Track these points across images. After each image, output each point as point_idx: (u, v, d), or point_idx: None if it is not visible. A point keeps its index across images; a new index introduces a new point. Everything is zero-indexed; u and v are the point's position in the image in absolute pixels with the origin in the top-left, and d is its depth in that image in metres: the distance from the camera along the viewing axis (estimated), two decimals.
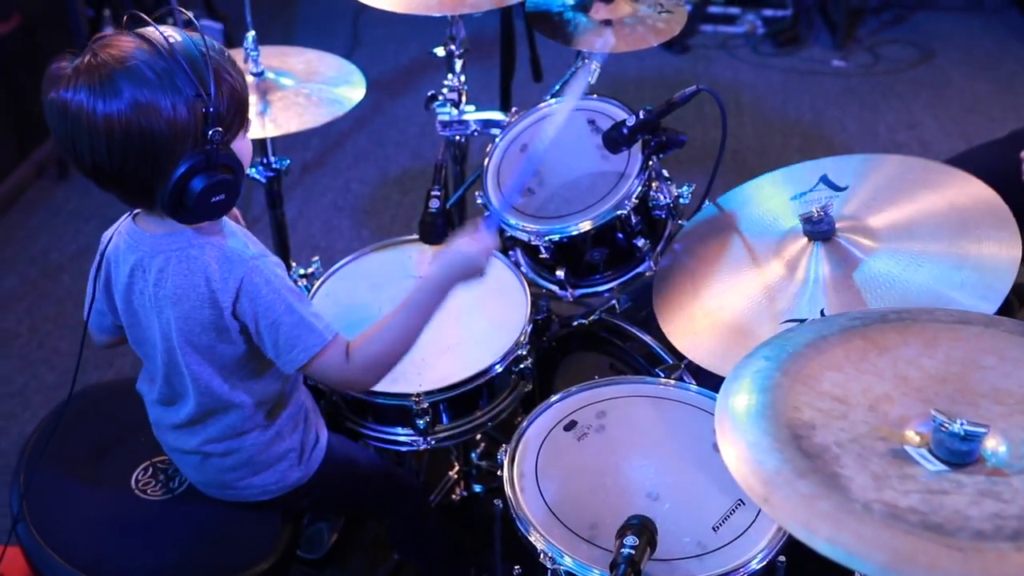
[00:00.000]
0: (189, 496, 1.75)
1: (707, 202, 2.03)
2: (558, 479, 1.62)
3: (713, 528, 1.53)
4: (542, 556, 1.49)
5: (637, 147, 1.99)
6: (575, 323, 2.17)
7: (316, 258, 2.34)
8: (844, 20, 4.62)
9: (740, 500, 1.56)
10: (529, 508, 1.56)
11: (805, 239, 1.75)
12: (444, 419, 1.96)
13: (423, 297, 1.57)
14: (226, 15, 4.29)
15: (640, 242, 2.02)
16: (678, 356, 1.98)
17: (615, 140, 1.95)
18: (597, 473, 1.63)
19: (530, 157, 1.73)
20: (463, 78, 2.47)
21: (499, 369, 1.93)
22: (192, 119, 1.38)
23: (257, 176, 2.50)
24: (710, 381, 1.75)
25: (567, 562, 1.47)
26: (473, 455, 2.36)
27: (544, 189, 2.11)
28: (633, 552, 1.35)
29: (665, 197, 2.03)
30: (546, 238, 2.00)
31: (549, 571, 1.48)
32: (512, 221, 2.04)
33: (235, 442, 1.65)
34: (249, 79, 2.33)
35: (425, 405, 1.88)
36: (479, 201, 2.12)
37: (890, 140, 3.92)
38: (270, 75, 2.37)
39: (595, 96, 2.19)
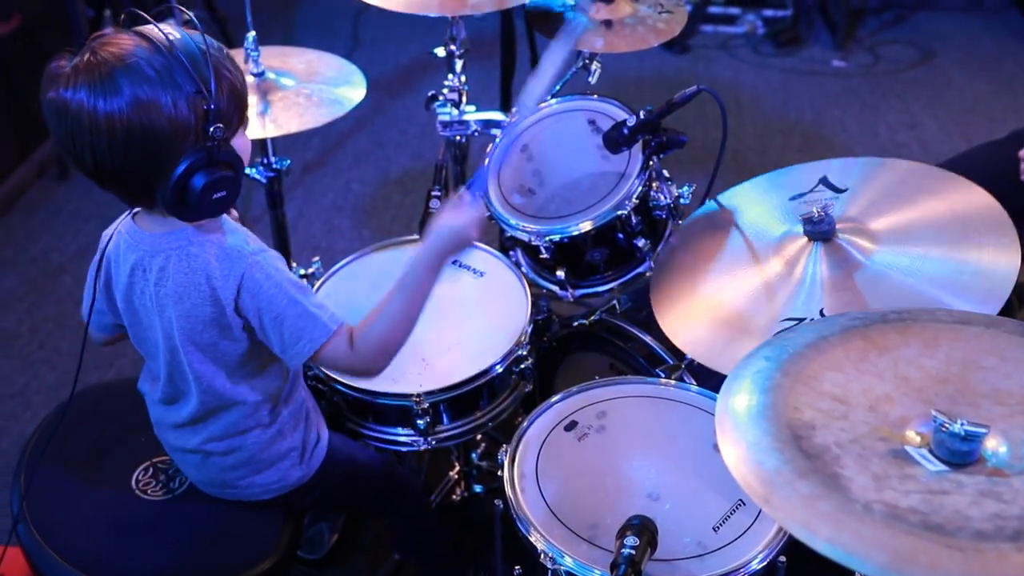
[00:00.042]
0: (189, 496, 1.75)
1: (708, 201, 2.02)
2: (559, 479, 1.62)
3: (714, 528, 1.53)
4: (542, 556, 1.49)
5: (638, 147, 1.99)
6: (575, 323, 2.17)
7: (317, 258, 2.34)
8: (844, 20, 4.62)
9: (740, 500, 1.56)
10: (529, 508, 1.56)
11: (804, 239, 1.75)
12: (445, 419, 1.96)
13: (417, 277, 1.56)
14: (226, 15, 4.29)
15: (640, 242, 2.02)
16: (678, 356, 1.98)
17: (615, 140, 1.95)
18: (597, 473, 1.63)
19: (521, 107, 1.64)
20: (463, 78, 2.47)
21: (500, 369, 1.93)
22: (193, 116, 1.38)
23: (257, 176, 2.50)
24: (710, 381, 1.75)
25: (567, 562, 1.47)
26: (474, 455, 2.36)
27: (544, 189, 2.11)
28: (634, 552, 1.35)
29: (666, 197, 2.03)
30: (547, 238, 2.00)
31: (549, 571, 1.48)
32: (512, 221, 2.05)
33: (236, 441, 1.66)
34: (250, 79, 2.33)
35: (426, 405, 1.88)
36: None
37: (890, 140, 3.92)
38: (270, 75, 2.37)
39: (595, 96, 2.19)
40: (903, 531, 1.07)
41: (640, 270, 2.06)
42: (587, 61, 2.31)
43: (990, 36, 4.68)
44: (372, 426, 1.96)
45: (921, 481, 1.13)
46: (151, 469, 1.80)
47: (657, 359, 2.03)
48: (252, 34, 2.34)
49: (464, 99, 2.47)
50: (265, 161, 2.49)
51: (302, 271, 2.37)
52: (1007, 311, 1.58)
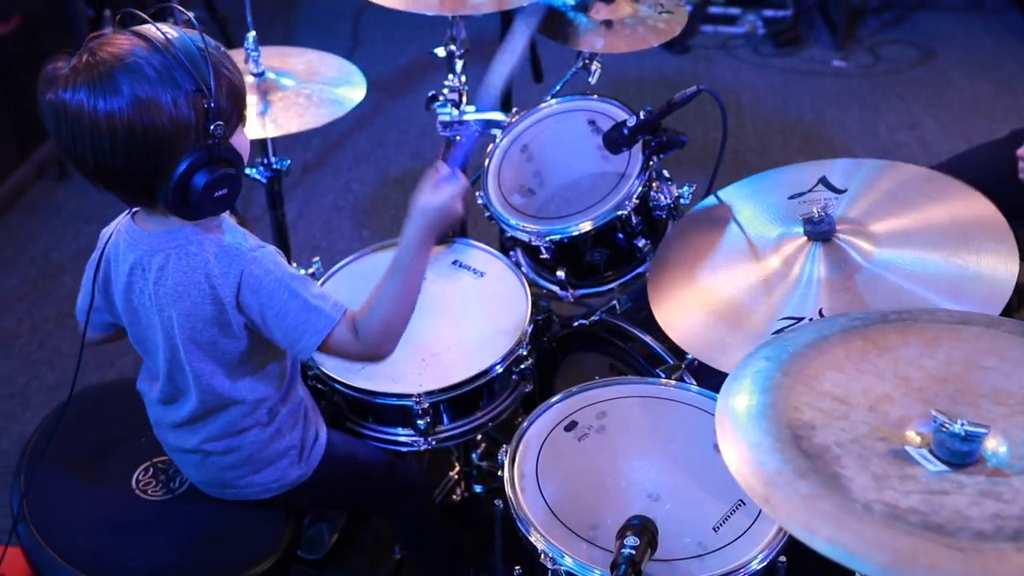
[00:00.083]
0: (190, 496, 1.75)
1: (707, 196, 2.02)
2: (559, 479, 1.62)
3: (714, 528, 1.53)
4: (543, 556, 1.49)
5: (638, 148, 1.99)
6: (576, 323, 2.17)
7: (317, 258, 2.34)
8: (844, 20, 4.62)
9: (740, 500, 1.56)
10: (530, 508, 1.56)
11: (803, 238, 1.74)
12: (445, 419, 1.96)
13: (408, 258, 1.56)
14: (226, 15, 4.29)
15: (641, 242, 2.02)
16: (679, 356, 1.98)
17: (616, 141, 1.95)
18: (598, 473, 1.63)
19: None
20: (463, 78, 2.47)
21: (500, 370, 1.93)
22: (193, 114, 1.39)
23: (258, 176, 2.50)
24: (711, 382, 1.75)
25: (568, 562, 1.47)
26: (474, 455, 2.36)
27: (545, 190, 2.11)
28: (634, 552, 1.35)
29: (666, 197, 2.03)
30: (547, 238, 2.00)
31: (550, 571, 1.48)
32: (512, 221, 2.05)
33: (235, 440, 1.66)
34: (250, 79, 2.33)
35: (426, 405, 1.88)
36: (479, 201, 2.12)
37: (890, 140, 3.92)
38: (271, 75, 2.37)
39: (595, 96, 2.19)
40: (903, 531, 1.07)
41: (640, 270, 2.06)
42: (587, 61, 2.31)
43: (990, 36, 4.68)
44: (372, 426, 1.96)
45: (921, 481, 1.13)
46: (151, 469, 1.80)
47: (657, 359, 2.03)
48: (252, 34, 2.34)
49: (464, 99, 2.47)
50: (265, 161, 2.49)
51: (302, 271, 2.36)
52: (1007, 311, 1.58)
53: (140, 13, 1.44)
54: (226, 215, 1.57)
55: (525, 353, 1.99)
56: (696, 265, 1.83)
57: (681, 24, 2.28)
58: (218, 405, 1.62)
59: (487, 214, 2.11)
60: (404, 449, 1.95)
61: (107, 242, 1.59)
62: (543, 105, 2.23)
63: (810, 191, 1.86)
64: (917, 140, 3.92)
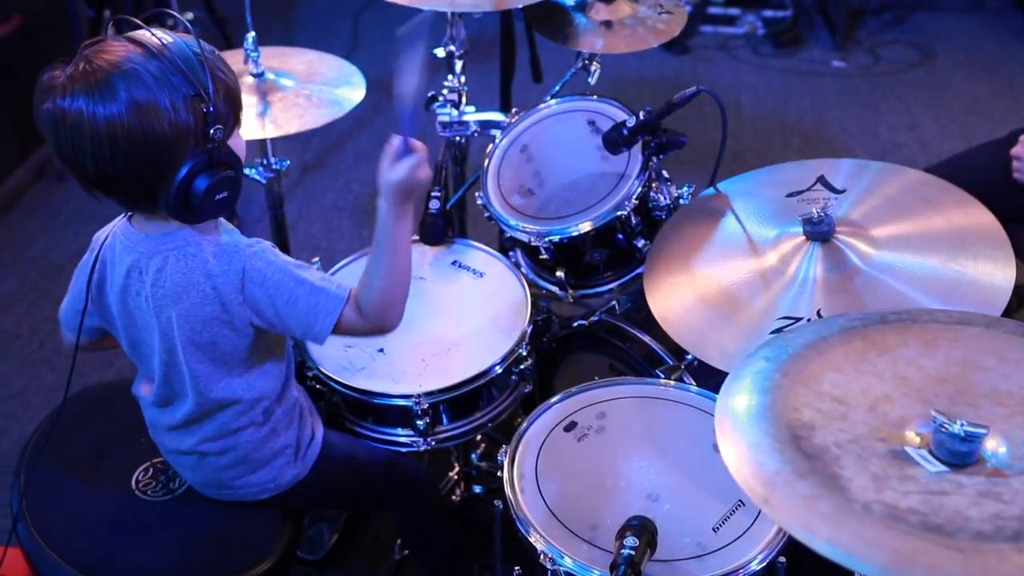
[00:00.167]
0: (189, 497, 1.75)
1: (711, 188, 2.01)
2: (558, 480, 1.62)
3: (713, 529, 1.53)
4: (542, 557, 1.49)
5: (637, 148, 1.99)
6: (575, 324, 2.17)
7: (317, 259, 2.33)
8: (844, 21, 4.62)
9: (740, 501, 1.56)
10: (529, 509, 1.56)
11: (801, 237, 1.74)
12: (444, 420, 1.96)
13: (389, 232, 1.54)
14: (226, 15, 4.29)
15: (640, 243, 2.02)
16: (678, 357, 1.98)
17: (615, 141, 1.95)
18: (597, 474, 1.63)
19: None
20: (463, 79, 2.46)
21: (499, 370, 1.93)
22: (192, 118, 1.39)
23: (257, 177, 2.49)
24: (710, 382, 1.75)
25: (567, 563, 1.47)
26: (473, 456, 2.36)
27: (544, 190, 2.11)
28: (633, 553, 1.35)
29: (665, 198, 2.03)
30: (546, 239, 2.00)
31: (549, 572, 1.48)
32: (512, 222, 2.05)
33: (230, 440, 1.66)
34: (249, 80, 2.33)
35: (425, 406, 1.88)
36: (479, 202, 2.12)
37: (890, 141, 3.92)
38: (270, 76, 2.37)
39: (595, 97, 2.19)
40: (903, 532, 1.07)
41: (640, 271, 2.06)
42: (587, 62, 2.31)
43: (991, 37, 4.68)
44: (371, 427, 1.96)
45: (921, 482, 1.13)
46: (151, 470, 1.80)
47: (657, 359, 2.03)
48: (252, 35, 2.34)
49: (463, 100, 2.47)
50: (265, 162, 2.48)
51: None
52: (1006, 312, 1.58)
53: (134, 19, 1.44)
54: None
55: (525, 353, 1.99)
56: (692, 256, 1.83)
57: (680, 24, 2.28)
58: (214, 406, 1.62)
59: (487, 214, 2.11)
60: (403, 450, 1.95)
61: (102, 245, 1.59)
62: (543, 105, 2.23)
63: (808, 190, 1.86)
64: (917, 141, 3.92)
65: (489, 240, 2.35)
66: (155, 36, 1.41)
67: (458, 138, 2.55)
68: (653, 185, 2.03)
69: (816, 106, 4.18)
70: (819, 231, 1.71)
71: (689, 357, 1.94)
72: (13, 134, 3.65)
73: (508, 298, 2.07)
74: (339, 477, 1.83)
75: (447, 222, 2.24)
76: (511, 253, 2.20)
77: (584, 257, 2.06)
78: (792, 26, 4.68)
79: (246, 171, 2.43)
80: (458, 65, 2.45)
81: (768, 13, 4.76)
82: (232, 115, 1.48)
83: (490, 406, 1.99)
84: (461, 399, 1.93)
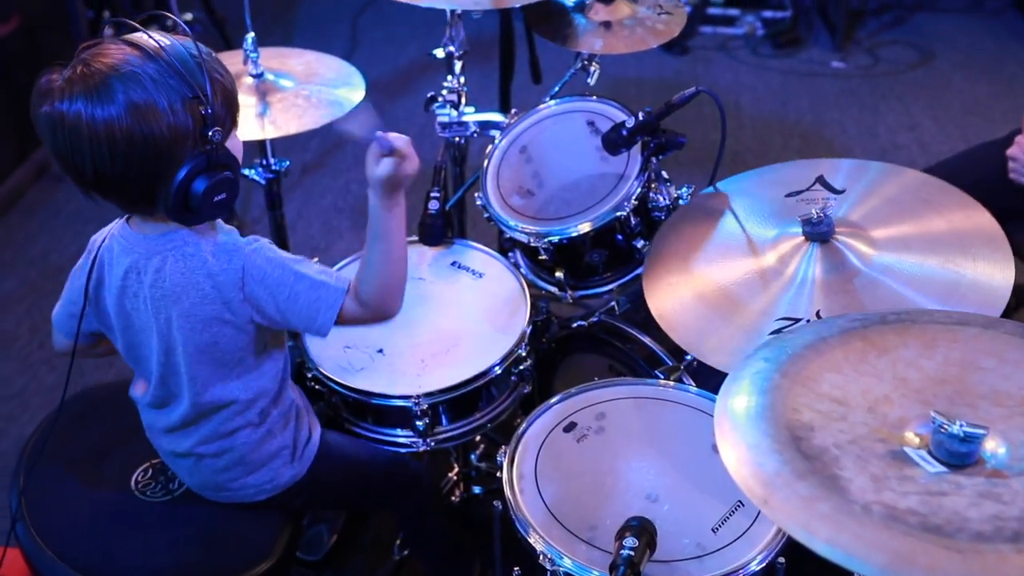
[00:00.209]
0: (188, 498, 1.75)
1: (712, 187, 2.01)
2: (557, 480, 1.62)
3: (712, 530, 1.53)
4: (541, 557, 1.49)
5: (636, 149, 1.99)
6: (574, 325, 2.17)
7: (316, 259, 2.32)
8: (843, 22, 4.62)
9: (739, 502, 1.56)
10: (528, 509, 1.56)
11: (800, 237, 1.74)
12: (444, 421, 1.96)
13: (379, 222, 1.56)
14: (225, 16, 4.29)
15: (639, 244, 2.02)
16: (678, 358, 1.98)
17: (614, 142, 1.95)
18: (596, 474, 1.63)
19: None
20: (462, 80, 2.46)
21: (498, 371, 1.93)
22: (190, 120, 1.40)
23: (256, 178, 2.50)
24: (709, 383, 1.75)
25: (566, 563, 1.47)
26: (472, 457, 2.36)
27: (543, 191, 2.11)
28: (632, 553, 1.35)
29: (664, 199, 2.03)
30: (546, 239, 2.00)
31: (548, 572, 1.48)
32: (511, 223, 2.05)
33: (227, 441, 1.66)
34: (248, 81, 2.33)
35: (425, 407, 1.88)
36: (478, 203, 2.12)
37: (890, 142, 3.92)
38: (269, 76, 2.37)
39: (594, 97, 2.19)
40: (902, 532, 1.06)
41: (639, 271, 2.06)
42: (586, 62, 2.31)
43: (990, 38, 4.68)
44: (371, 427, 1.96)
45: (920, 482, 1.13)
46: (150, 470, 1.80)
47: (656, 360, 2.03)
48: (251, 35, 2.34)
49: (463, 100, 2.47)
50: (264, 162, 2.49)
51: None
52: (1005, 313, 1.58)
53: (131, 22, 1.44)
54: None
55: (524, 354, 1.99)
56: (691, 257, 1.83)
57: (680, 25, 2.28)
58: (210, 407, 1.62)
59: (486, 215, 2.11)
60: (403, 451, 1.95)
61: (99, 247, 1.59)
62: (542, 106, 2.23)
63: (808, 190, 1.86)
64: (916, 142, 3.92)
65: (488, 241, 2.34)
66: (152, 38, 1.41)
67: (457, 139, 2.55)
68: (652, 186, 2.03)
69: (815, 107, 4.18)
70: (818, 232, 1.71)
71: (688, 358, 1.94)
72: (13, 134, 3.65)
73: (507, 299, 2.07)
74: (337, 477, 1.83)
75: (446, 223, 2.24)
76: (510, 254, 2.20)
77: (583, 258, 2.06)
78: (791, 27, 4.68)
79: (245, 172, 2.43)
80: (457, 66, 2.45)
81: (767, 14, 4.76)
82: (229, 117, 1.48)
83: (489, 407, 1.99)
84: (460, 400, 1.93)
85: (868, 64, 4.50)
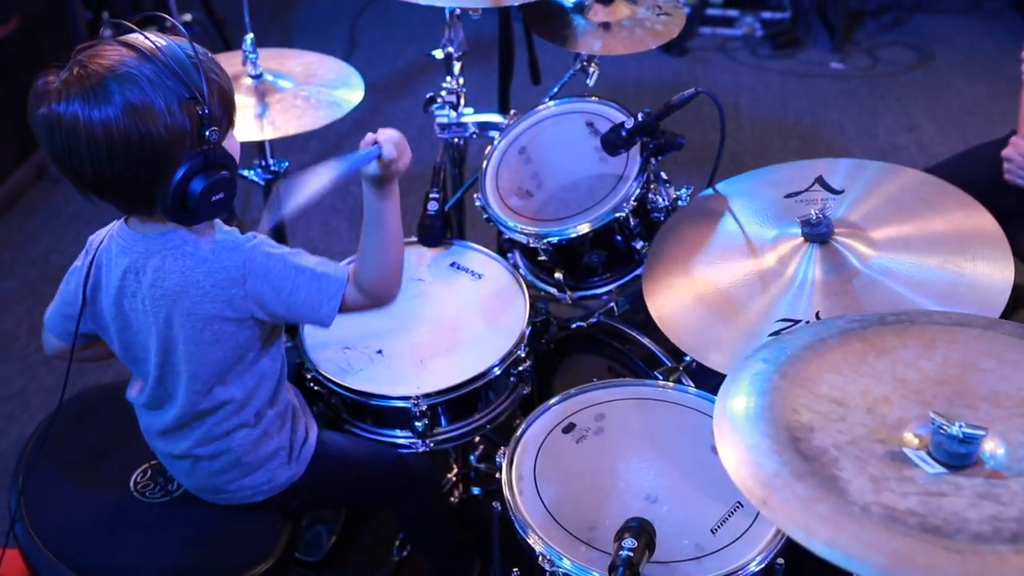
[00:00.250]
0: (187, 499, 1.75)
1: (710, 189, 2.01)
2: (556, 481, 1.62)
3: (711, 530, 1.53)
4: (540, 558, 1.49)
5: (635, 149, 1.99)
6: (574, 325, 2.17)
7: None
8: (842, 23, 4.62)
9: (738, 502, 1.56)
10: (527, 510, 1.56)
11: (799, 238, 1.74)
12: (443, 421, 1.96)
13: (375, 211, 1.58)
14: (224, 17, 4.29)
15: (639, 244, 2.02)
16: (677, 359, 1.98)
17: (613, 142, 1.95)
18: (595, 475, 1.63)
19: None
20: (462, 80, 2.46)
21: (498, 372, 1.93)
22: (187, 121, 1.40)
23: (255, 178, 2.50)
24: (709, 383, 1.74)
25: (566, 564, 1.47)
26: (472, 457, 2.36)
27: (542, 192, 2.11)
28: (631, 554, 1.35)
29: (664, 199, 2.03)
30: (545, 240, 2.00)
31: (548, 573, 1.48)
32: (511, 223, 2.04)
33: (223, 443, 1.66)
34: (247, 81, 2.33)
35: (424, 408, 1.88)
36: (477, 204, 2.12)
37: (889, 143, 3.93)
38: (268, 77, 2.37)
39: (593, 98, 2.19)
40: (901, 533, 1.06)
41: (638, 272, 2.06)
42: (585, 63, 2.31)
43: (989, 38, 4.68)
44: (370, 428, 1.96)
45: (919, 483, 1.13)
46: (149, 471, 1.80)
47: (655, 361, 2.03)
48: (250, 36, 2.34)
49: (462, 101, 2.47)
50: (263, 163, 2.49)
51: None
52: (1005, 313, 1.58)
53: (127, 23, 1.44)
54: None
55: (523, 355, 1.99)
56: (690, 258, 1.83)
57: (679, 26, 2.28)
58: (205, 409, 1.62)
59: (485, 216, 2.11)
60: (402, 451, 1.95)
61: (97, 248, 1.59)
62: (541, 107, 2.23)
63: (807, 190, 1.86)
64: (915, 143, 3.92)
65: (487, 242, 2.34)
66: (148, 39, 1.41)
67: (456, 140, 2.55)
68: (651, 187, 2.03)
69: (814, 108, 4.18)
70: (817, 232, 1.71)
71: (688, 359, 1.93)
72: (13, 135, 3.65)
73: (506, 300, 2.07)
74: (335, 477, 1.83)
75: (445, 224, 2.24)
76: (509, 255, 2.20)
77: (583, 259, 2.06)
78: (790, 28, 4.68)
79: (244, 173, 2.43)
80: (456, 67, 2.45)
81: (766, 15, 4.76)
82: (226, 117, 1.48)
83: (489, 408, 1.99)
84: (460, 401, 1.93)
85: (867, 65, 4.50)
